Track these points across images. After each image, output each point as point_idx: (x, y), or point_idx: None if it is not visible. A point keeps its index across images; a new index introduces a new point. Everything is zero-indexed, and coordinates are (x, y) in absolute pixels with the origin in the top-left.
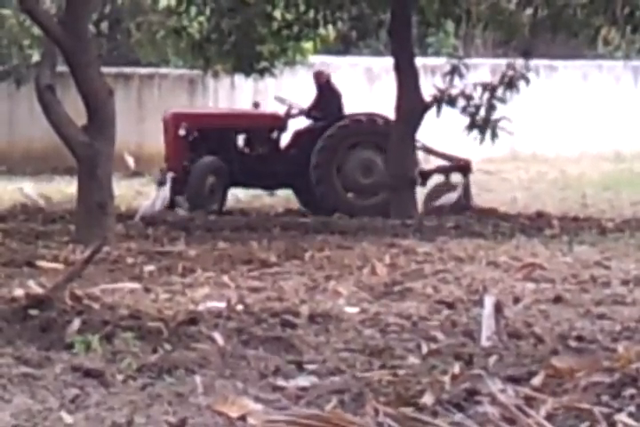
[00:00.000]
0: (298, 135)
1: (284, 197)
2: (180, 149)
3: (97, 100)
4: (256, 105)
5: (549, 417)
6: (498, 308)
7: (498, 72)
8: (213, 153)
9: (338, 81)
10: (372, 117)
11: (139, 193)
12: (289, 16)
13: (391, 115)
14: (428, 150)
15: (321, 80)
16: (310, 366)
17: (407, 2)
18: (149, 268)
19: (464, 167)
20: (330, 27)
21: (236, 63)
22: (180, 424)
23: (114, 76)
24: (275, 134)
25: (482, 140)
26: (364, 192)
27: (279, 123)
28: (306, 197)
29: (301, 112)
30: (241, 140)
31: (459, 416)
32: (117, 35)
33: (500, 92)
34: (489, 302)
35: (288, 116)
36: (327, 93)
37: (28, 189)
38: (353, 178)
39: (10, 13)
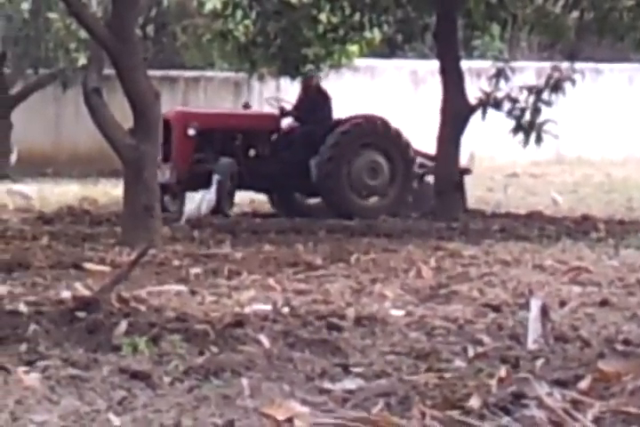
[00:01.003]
0: (283, 137)
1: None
2: (188, 149)
3: (143, 103)
4: (246, 106)
5: (596, 421)
6: (544, 311)
7: (543, 75)
8: (221, 154)
9: (383, 84)
10: (383, 120)
11: None
12: (335, 19)
13: (436, 118)
14: (416, 152)
15: (309, 84)
16: (356, 369)
17: (453, 5)
18: (195, 270)
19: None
20: (375, 30)
21: (281, 66)
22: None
23: (160, 80)
24: (272, 136)
25: (526, 142)
26: (371, 193)
27: (277, 124)
28: (285, 200)
29: (289, 113)
30: (243, 141)
31: (505, 420)
32: (163, 38)
33: (545, 94)
34: (535, 305)
35: (282, 116)
36: (315, 97)
37: (16, 186)
38: (360, 179)
39: (56, 17)
